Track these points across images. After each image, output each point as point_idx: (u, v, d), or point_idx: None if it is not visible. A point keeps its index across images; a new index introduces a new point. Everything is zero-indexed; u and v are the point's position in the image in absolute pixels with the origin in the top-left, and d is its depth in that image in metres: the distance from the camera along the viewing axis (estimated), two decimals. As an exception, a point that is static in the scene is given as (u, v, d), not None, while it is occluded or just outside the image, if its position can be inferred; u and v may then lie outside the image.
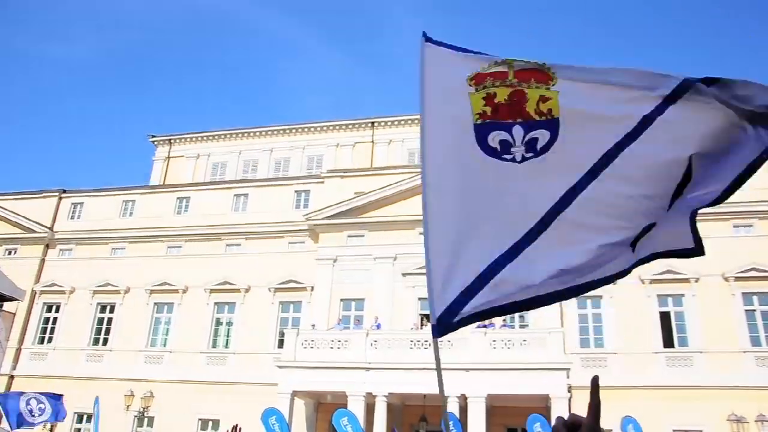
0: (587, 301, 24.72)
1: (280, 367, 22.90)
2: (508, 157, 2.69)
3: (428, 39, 2.86)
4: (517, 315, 24.72)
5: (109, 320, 29.71)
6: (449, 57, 2.81)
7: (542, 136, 2.66)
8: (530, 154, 2.67)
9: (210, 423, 26.11)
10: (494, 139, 2.72)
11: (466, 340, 21.86)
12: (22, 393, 14.52)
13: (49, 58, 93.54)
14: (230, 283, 28.27)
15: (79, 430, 27.27)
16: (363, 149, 37.08)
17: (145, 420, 26.15)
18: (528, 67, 2.68)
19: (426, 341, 21.63)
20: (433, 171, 2.72)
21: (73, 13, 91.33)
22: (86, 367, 28.54)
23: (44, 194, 33.18)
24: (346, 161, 35.99)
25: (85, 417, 26.50)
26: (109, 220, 31.59)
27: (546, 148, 2.66)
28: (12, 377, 28.80)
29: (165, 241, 30.40)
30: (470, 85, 2.76)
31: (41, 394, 14.63)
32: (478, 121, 2.72)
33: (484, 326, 22.57)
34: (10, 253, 31.88)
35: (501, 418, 22.07)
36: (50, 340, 30.07)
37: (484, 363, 20.95)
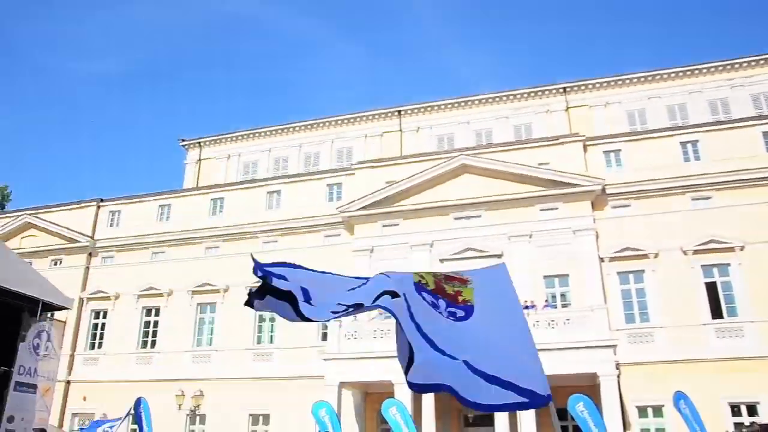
0: (629, 276, 24.24)
1: (325, 359, 23.10)
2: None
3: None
4: (558, 294, 24.46)
5: (155, 323, 30.36)
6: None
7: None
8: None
9: (261, 417, 26.58)
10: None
11: (508, 322, 21.69)
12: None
13: (81, 75, 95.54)
14: (270, 280, 28.46)
15: (135, 431, 27.96)
16: (391, 138, 36.95)
17: (197, 418, 26.70)
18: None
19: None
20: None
21: (100, 30, 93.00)
22: (136, 369, 29.28)
23: (83, 204, 33.96)
24: (376, 151, 35.92)
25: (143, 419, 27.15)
26: (146, 226, 32.19)
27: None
28: (68, 383, 29.71)
29: (203, 243, 30.85)
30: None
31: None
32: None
33: (526, 307, 22.37)
34: (56, 263, 32.80)
35: (549, 398, 21.84)
36: (100, 345, 30.89)
37: (528, 344, 20.69)
